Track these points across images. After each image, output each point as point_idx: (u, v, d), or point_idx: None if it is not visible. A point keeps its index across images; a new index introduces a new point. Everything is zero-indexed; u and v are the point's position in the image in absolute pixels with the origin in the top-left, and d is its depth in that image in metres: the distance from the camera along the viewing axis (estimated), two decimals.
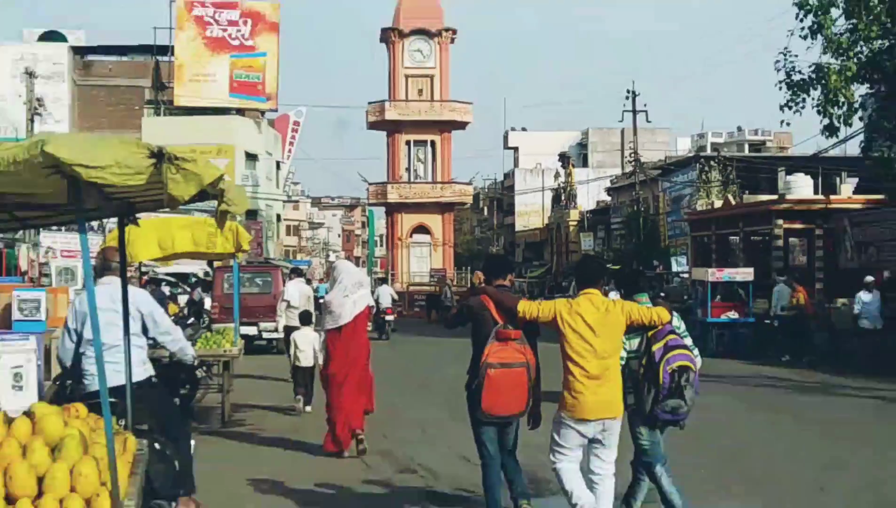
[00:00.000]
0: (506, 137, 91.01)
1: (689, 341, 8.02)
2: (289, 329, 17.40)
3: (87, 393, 7.12)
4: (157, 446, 6.88)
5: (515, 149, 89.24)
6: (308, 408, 15.35)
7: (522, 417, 7.99)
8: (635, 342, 7.70)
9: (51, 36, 49.69)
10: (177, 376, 12.24)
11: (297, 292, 18.77)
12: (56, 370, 9.93)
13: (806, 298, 24.97)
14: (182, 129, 44.58)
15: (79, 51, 50.94)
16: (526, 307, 7.62)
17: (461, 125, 70.09)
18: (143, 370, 7.64)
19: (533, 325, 7.66)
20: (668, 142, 73.43)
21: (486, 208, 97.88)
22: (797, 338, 24.66)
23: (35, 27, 51.18)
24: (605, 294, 8.23)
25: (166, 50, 51.21)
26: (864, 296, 22.70)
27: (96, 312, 4.97)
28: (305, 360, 15.47)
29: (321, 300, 14.44)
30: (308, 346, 15.48)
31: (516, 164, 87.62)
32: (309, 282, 28.43)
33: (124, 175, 4.04)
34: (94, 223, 21.48)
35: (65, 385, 8.82)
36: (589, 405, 7.23)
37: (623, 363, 7.59)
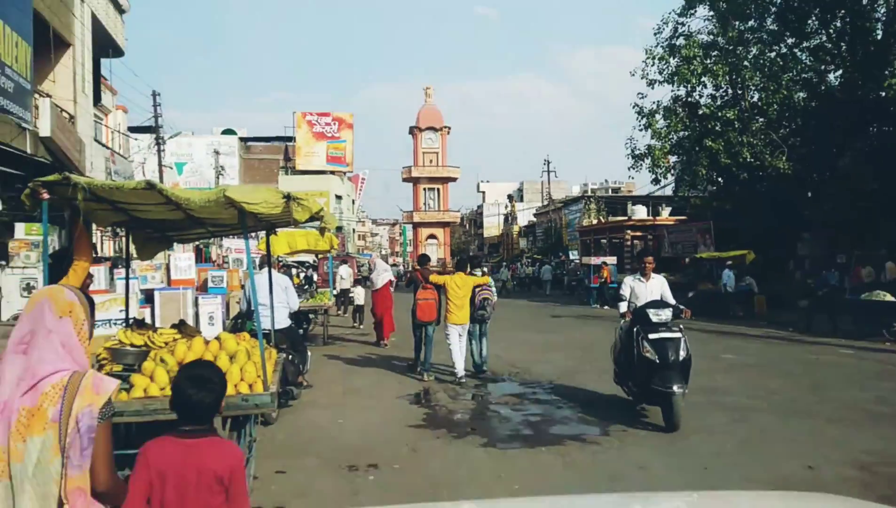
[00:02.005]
0: (478, 186, 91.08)
1: (493, 288, 10.34)
2: (343, 291, 20.36)
3: (252, 330, 7.16)
4: (289, 357, 6.91)
5: (483, 192, 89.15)
6: (361, 326, 16.97)
7: (436, 323, 10.00)
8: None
9: (228, 131, 49.42)
10: (300, 318, 12.27)
11: (346, 271, 21.37)
12: (232, 314, 9.91)
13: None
14: (300, 182, 44.34)
15: (243, 140, 50.60)
16: (434, 278, 9.91)
17: (453, 179, 69.83)
18: (285, 320, 7.66)
19: (439, 286, 9.84)
20: (566, 187, 73.08)
21: (467, 224, 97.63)
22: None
23: (219, 126, 50.99)
24: (471, 271, 10.21)
25: (290, 139, 51.18)
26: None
27: (255, 286, 4.99)
28: (358, 300, 17.81)
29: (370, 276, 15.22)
30: (360, 294, 17.90)
31: (484, 200, 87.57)
32: (362, 266, 30.01)
33: (269, 208, 4.03)
34: (252, 234, 21.49)
35: (236, 324, 8.83)
36: (458, 318, 9.49)
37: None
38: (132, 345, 4.31)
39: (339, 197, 51.31)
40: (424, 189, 69.26)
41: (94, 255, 4.60)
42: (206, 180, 39.57)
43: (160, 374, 3.86)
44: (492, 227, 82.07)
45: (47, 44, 13.36)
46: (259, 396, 3.95)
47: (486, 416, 7.59)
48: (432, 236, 69.03)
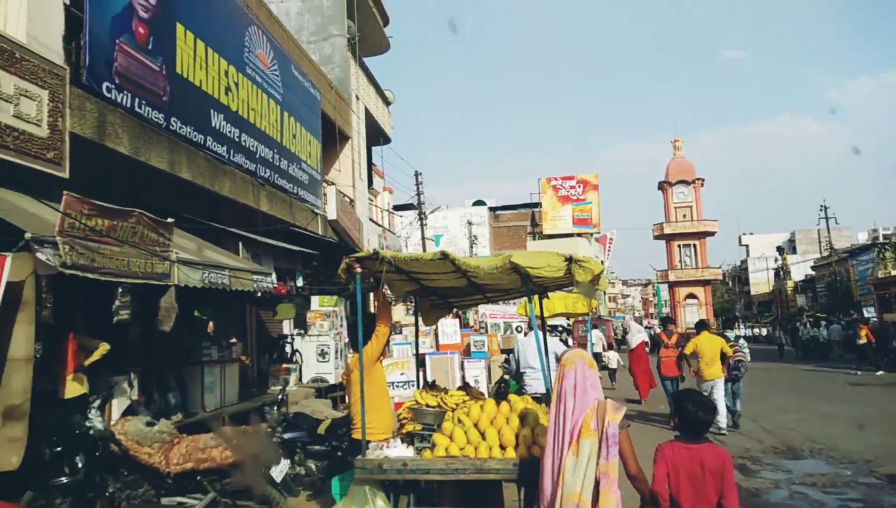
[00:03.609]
0: (739, 239, 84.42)
1: (746, 350, 12.35)
2: (595, 355, 19.58)
3: (524, 393, 7.29)
4: None
5: (746, 246, 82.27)
6: (615, 385, 17.96)
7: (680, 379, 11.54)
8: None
9: (478, 202, 52.60)
10: None
11: (597, 335, 22.52)
12: (494, 378, 10.22)
13: None
14: (547, 247, 45.18)
15: (492, 209, 53.46)
16: (686, 347, 10.81)
17: (711, 233, 65.32)
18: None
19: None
20: (851, 235, 64.10)
21: (730, 282, 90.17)
22: None
23: (470, 197, 54.78)
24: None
25: (536, 205, 52.76)
26: None
27: (540, 347, 5.04)
28: (611, 364, 18.87)
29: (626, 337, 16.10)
30: (613, 359, 19.02)
31: (748, 254, 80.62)
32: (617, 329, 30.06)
33: (552, 272, 4.16)
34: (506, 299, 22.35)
35: (499, 388, 9.09)
36: (708, 374, 10.19)
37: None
38: (427, 405, 4.68)
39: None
40: (679, 246, 65.85)
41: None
42: (460, 250, 42.35)
43: (459, 435, 4.12)
44: (759, 283, 75.07)
45: (332, 139, 15.70)
46: None
47: (793, 497, 6.73)
48: (691, 296, 64.82)
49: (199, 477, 5.21)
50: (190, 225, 8.17)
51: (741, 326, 53.33)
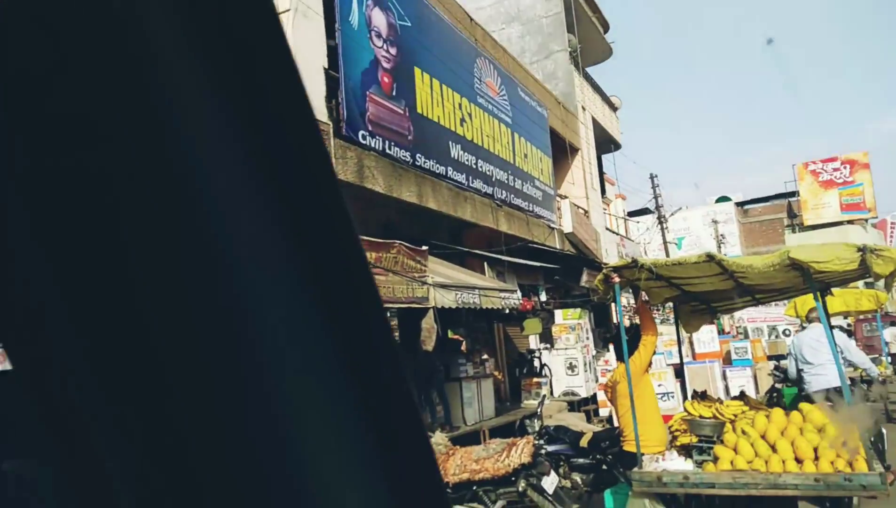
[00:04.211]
0: None
1: None
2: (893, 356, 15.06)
3: (804, 394, 6.61)
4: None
5: None
6: None
7: None
8: None
9: (722, 199, 49.02)
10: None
11: (892, 333, 16.59)
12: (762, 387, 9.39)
13: None
14: (810, 238, 40.48)
15: (739, 204, 49.48)
16: None
17: None
18: (836, 378, 6.93)
19: None
20: None
21: None
22: None
23: (711, 195, 51.22)
24: None
25: (793, 194, 47.59)
26: None
27: (823, 340, 4.60)
28: None
29: None
30: None
31: None
32: None
33: (841, 265, 3.75)
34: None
35: (771, 398, 8.29)
36: None
37: None
38: (701, 416, 4.45)
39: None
40: None
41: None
42: (703, 250, 39.81)
43: (744, 447, 3.86)
44: None
45: (562, 152, 15.81)
46: (864, 476, 3.53)
47: None
48: None
49: (474, 487, 5.49)
50: (438, 250, 8.81)
51: None
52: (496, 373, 11.45)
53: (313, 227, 0.30)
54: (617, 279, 4.27)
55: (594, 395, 12.70)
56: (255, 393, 0.28)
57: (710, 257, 3.90)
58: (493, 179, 11.19)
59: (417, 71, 9.12)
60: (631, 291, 4.79)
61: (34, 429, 0.29)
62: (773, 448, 3.83)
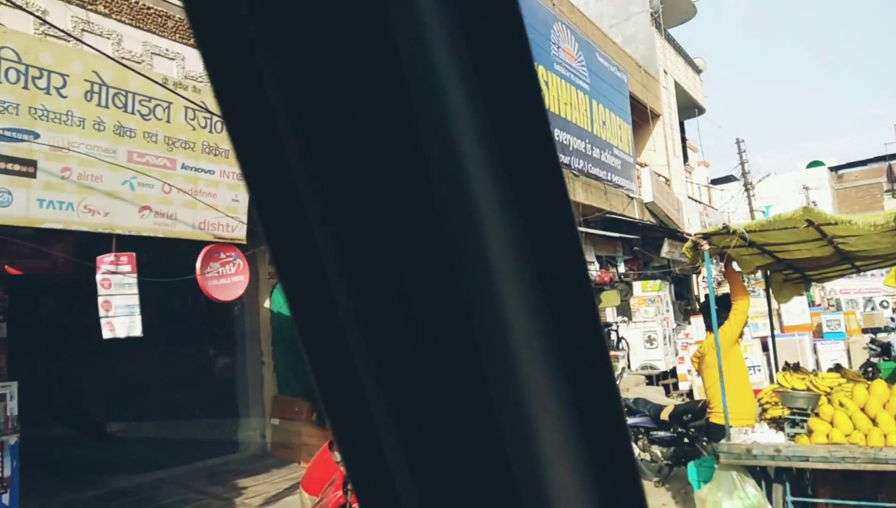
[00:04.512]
0: None
1: None
2: None
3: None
4: None
5: None
6: None
7: None
8: None
9: (814, 164, 46.46)
10: None
11: None
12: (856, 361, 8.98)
13: None
14: None
15: (833, 169, 46.80)
16: None
17: None
18: None
19: None
20: None
21: None
22: None
23: (802, 160, 48.68)
24: None
25: (893, 156, 44.54)
26: None
27: None
28: None
29: None
30: None
31: None
32: None
33: None
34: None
35: (866, 372, 7.91)
36: None
37: None
38: (794, 389, 4.30)
39: None
40: None
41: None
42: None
43: (842, 419, 3.70)
44: None
45: (643, 118, 15.33)
46: None
47: None
48: None
49: None
50: None
51: None
52: None
53: (545, 224, 0.32)
54: (706, 247, 4.14)
55: (674, 369, 12.44)
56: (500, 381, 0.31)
57: (808, 216, 3.68)
58: (570, 148, 11.00)
59: None
60: (719, 260, 4.63)
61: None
62: (874, 422, 3.66)
